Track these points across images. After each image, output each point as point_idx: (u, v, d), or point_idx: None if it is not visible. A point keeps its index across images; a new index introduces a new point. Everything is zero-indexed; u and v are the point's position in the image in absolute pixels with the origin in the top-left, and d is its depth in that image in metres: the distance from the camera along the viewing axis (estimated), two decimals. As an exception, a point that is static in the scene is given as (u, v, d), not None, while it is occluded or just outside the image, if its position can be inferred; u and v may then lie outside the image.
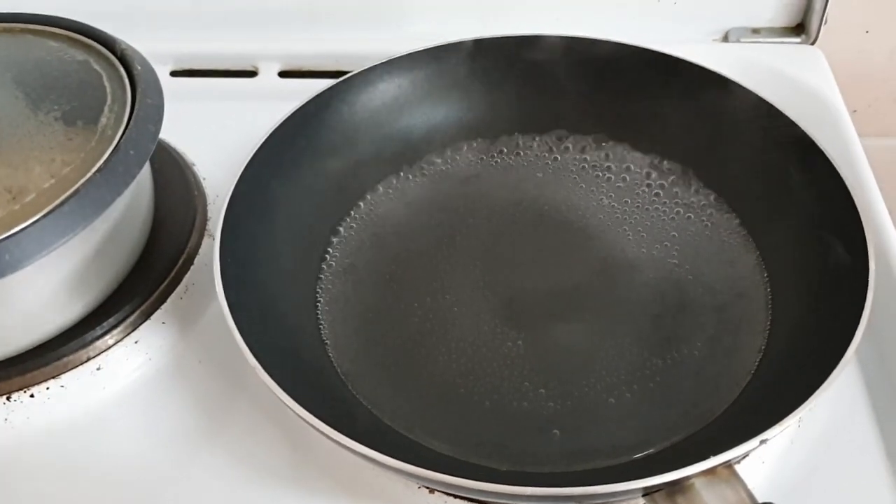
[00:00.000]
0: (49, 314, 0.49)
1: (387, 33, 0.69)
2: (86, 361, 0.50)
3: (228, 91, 0.70)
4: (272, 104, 0.55)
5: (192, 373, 0.51)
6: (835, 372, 0.40)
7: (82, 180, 0.45)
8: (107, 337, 0.50)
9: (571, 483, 0.37)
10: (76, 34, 0.54)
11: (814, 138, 0.50)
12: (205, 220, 0.58)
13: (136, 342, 0.51)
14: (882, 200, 0.55)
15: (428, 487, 0.44)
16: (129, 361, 0.51)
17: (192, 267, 0.55)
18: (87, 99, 0.50)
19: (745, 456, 0.44)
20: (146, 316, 0.52)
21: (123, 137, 0.47)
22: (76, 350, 0.50)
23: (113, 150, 0.46)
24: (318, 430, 0.40)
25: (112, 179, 0.45)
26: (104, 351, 0.50)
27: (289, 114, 0.54)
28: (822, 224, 0.49)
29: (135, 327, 0.51)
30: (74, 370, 0.50)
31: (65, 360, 0.49)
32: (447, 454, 0.44)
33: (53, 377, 0.49)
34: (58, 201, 0.44)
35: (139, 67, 0.51)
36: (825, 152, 0.50)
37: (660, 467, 0.37)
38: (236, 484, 0.46)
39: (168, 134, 0.60)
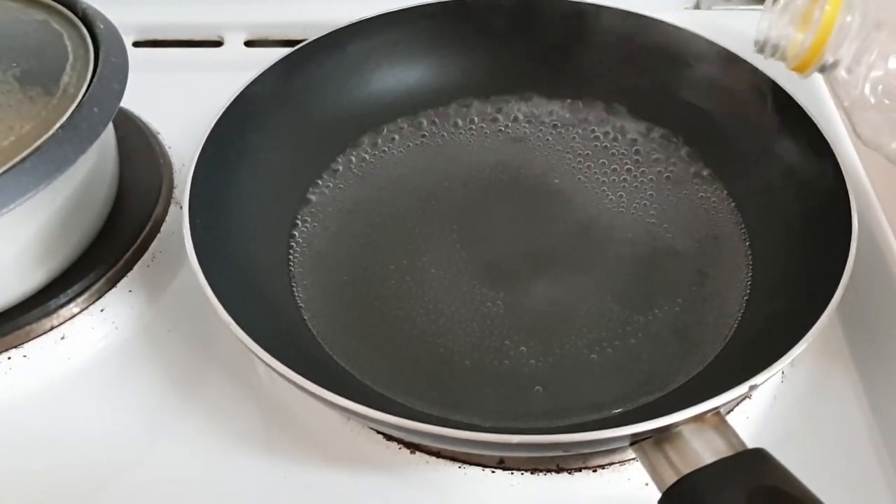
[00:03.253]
0: (10, 280, 0.47)
1: (355, 3, 0.68)
2: (49, 330, 0.48)
3: (193, 61, 0.69)
4: (238, 74, 0.54)
5: (161, 342, 0.50)
6: (823, 317, 0.39)
7: (44, 137, 0.43)
8: (71, 305, 0.49)
9: (559, 431, 0.36)
10: (35, -6, 0.52)
11: (790, 92, 0.50)
12: (171, 188, 0.56)
13: (101, 310, 0.50)
14: (858, 158, 0.55)
15: (409, 447, 0.43)
16: (95, 330, 0.49)
17: (158, 235, 0.53)
18: (47, 59, 0.48)
19: (735, 404, 0.44)
20: (112, 283, 0.50)
21: (87, 95, 0.46)
22: (39, 318, 0.48)
23: (76, 108, 0.45)
24: (296, 384, 0.38)
25: (75, 137, 0.44)
26: (69, 319, 0.49)
27: (256, 75, 0.53)
28: (800, 175, 0.49)
29: (100, 295, 0.50)
30: (37, 339, 0.48)
31: (27, 328, 0.48)
32: (428, 412, 0.43)
33: (15, 347, 0.47)
34: (18, 158, 0.42)
35: (101, 26, 0.50)
36: (804, 107, 0.50)
37: (647, 415, 0.36)
38: (209, 453, 0.45)
39: (132, 104, 0.59)
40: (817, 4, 0.44)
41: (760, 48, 0.46)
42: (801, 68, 0.45)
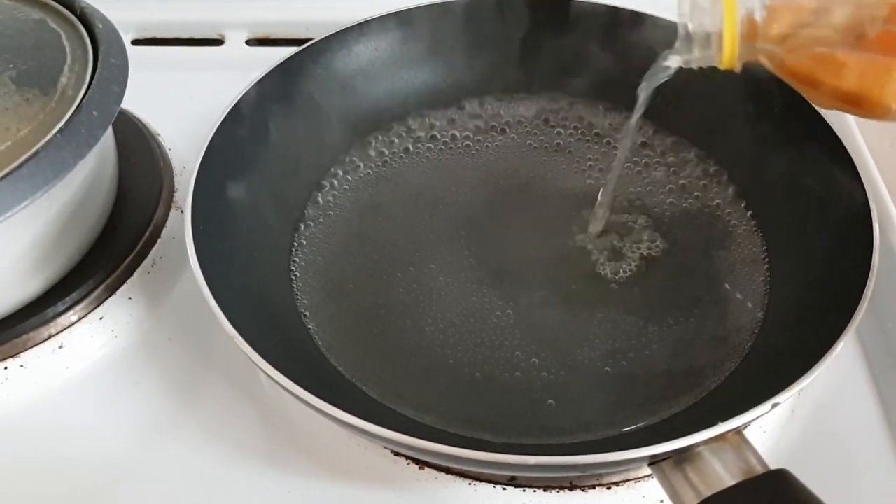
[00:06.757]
0: (6, 289, 0.46)
1: (357, 1, 0.66)
2: (47, 339, 0.47)
3: (194, 60, 0.68)
4: (240, 73, 0.53)
5: (161, 350, 0.49)
6: (845, 333, 0.38)
7: (42, 142, 0.42)
8: (69, 313, 0.48)
9: (575, 452, 0.35)
10: (31, -8, 0.51)
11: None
12: (171, 191, 0.55)
13: (100, 318, 0.48)
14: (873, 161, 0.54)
15: (418, 463, 0.42)
16: (94, 339, 0.48)
17: (159, 240, 0.52)
18: (45, 59, 0.47)
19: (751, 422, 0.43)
20: (111, 291, 0.49)
21: (86, 98, 0.44)
22: (36, 327, 0.47)
23: (75, 111, 0.44)
24: (303, 400, 0.37)
25: (74, 141, 0.43)
26: (67, 328, 0.48)
27: (261, 76, 0.52)
28: (820, 186, 0.47)
29: (99, 303, 0.49)
30: (35, 348, 0.47)
31: (24, 337, 0.47)
32: (438, 427, 0.42)
33: (12, 356, 0.46)
34: (15, 164, 0.41)
35: (101, 26, 0.48)
36: (827, 120, 0.48)
37: (667, 435, 0.35)
38: (210, 465, 0.44)
39: (131, 104, 0.57)
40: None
41: (688, 48, 0.42)
42: (728, 62, 0.42)
